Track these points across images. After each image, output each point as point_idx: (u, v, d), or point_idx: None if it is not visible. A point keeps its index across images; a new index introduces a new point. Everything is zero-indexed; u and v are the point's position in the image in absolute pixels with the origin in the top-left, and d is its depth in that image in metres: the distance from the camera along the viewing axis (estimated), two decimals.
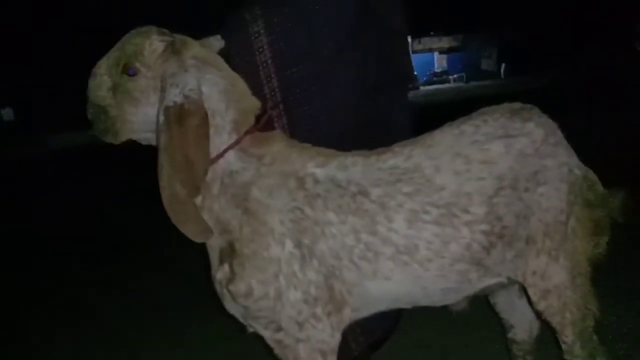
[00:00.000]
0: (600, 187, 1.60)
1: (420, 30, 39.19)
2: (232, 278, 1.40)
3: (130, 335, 3.18)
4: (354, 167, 1.44)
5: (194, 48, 1.43)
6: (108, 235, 5.60)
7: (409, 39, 39.30)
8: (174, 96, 1.33)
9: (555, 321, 1.56)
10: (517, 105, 1.58)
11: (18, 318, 3.70)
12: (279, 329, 1.42)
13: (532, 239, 1.47)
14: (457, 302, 1.57)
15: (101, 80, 1.43)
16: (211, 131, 1.37)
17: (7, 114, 28.78)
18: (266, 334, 1.45)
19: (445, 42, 41.70)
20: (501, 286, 1.59)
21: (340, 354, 1.87)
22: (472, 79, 35.83)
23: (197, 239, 1.39)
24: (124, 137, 1.48)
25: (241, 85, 1.48)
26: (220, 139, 1.42)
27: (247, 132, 1.45)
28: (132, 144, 1.53)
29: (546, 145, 1.48)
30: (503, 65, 34.94)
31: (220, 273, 1.44)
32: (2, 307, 3.90)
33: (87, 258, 4.89)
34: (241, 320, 1.50)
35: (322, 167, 1.44)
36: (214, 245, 1.47)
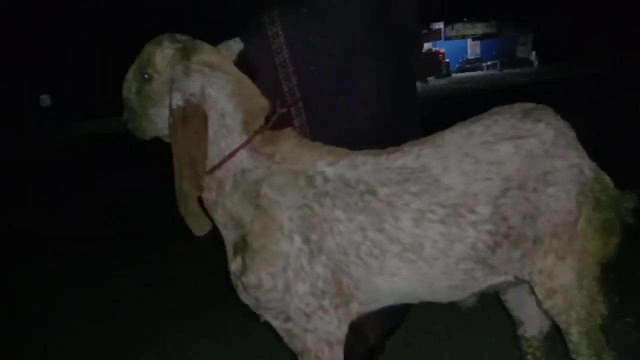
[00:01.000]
0: (612, 189, 1.60)
1: (453, 16, 38.47)
2: (243, 270, 1.48)
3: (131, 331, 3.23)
4: (364, 166, 1.49)
5: (202, 53, 1.51)
6: (134, 224, 5.70)
7: (442, 25, 38.62)
8: (177, 100, 1.45)
9: (561, 320, 1.58)
10: (529, 105, 1.59)
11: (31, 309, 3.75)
12: (288, 319, 1.49)
13: (540, 239, 1.49)
14: (464, 299, 1.61)
15: (130, 84, 1.57)
16: (222, 131, 1.49)
17: (44, 100, 29.49)
18: (276, 324, 1.52)
19: (479, 28, 40.80)
20: (509, 284, 1.62)
21: (357, 343, 1.95)
22: (507, 66, 35.00)
23: (196, 232, 1.50)
24: (150, 134, 1.61)
25: (249, 87, 1.56)
26: (231, 138, 1.50)
27: (256, 132, 1.53)
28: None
29: (556, 147, 1.49)
30: (533, 53, 34.07)
31: (233, 265, 1.53)
32: (20, 297, 3.97)
33: (115, 247, 4.98)
34: (253, 309, 1.57)
35: (332, 165, 1.50)
36: (229, 239, 1.55)
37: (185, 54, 1.49)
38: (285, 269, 1.45)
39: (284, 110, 1.80)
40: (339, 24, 1.81)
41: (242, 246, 1.50)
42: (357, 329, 1.94)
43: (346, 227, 1.45)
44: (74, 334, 3.20)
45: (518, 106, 1.58)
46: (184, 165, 1.43)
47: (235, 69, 1.56)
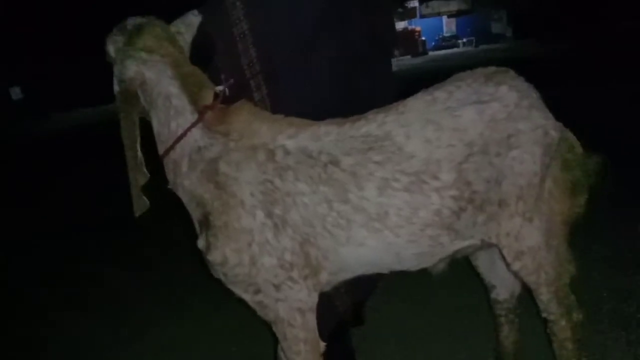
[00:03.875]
0: (579, 148, 1.62)
1: None
2: (208, 248, 1.48)
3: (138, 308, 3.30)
4: (327, 136, 1.48)
5: (143, 37, 1.53)
6: (114, 212, 5.69)
7: (416, 3, 38.40)
8: (115, 85, 1.52)
9: (530, 281, 1.60)
10: (491, 69, 1.59)
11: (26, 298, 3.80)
12: (258, 291, 1.49)
13: (505, 202, 1.50)
14: (434, 265, 1.61)
15: None
16: (171, 113, 1.52)
17: (15, 92, 28.72)
18: (247, 297, 1.52)
19: (454, 5, 40.59)
20: (476, 248, 1.63)
21: (326, 312, 1.95)
22: (482, 42, 35.03)
23: (135, 212, 1.53)
24: None
25: (188, 66, 1.57)
26: (183, 118, 1.53)
27: (206, 109, 1.52)
28: None
29: (520, 109, 1.49)
30: (508, 28, 34.25)
31: (200, 243, 1.52)
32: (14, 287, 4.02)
33: (97, 235, 4.98)
34: (225, 285, 1.57)
35: (293, 138, 1.48)
36: (195, 217, 1.55)
37: (128, 41, 1.52)
38: (249, 244, 1.44)
39: (252, 81, 1.78)
40: None
41: (206, 224, 1.49)
42: (326, 301, 1.94)
43: (310, 199, 1.44)
44: (60, 326, 3.19)
45: (480, 71, 1.57)
46: (126, 149, 1.48)
47: (172, 50, 1.56)
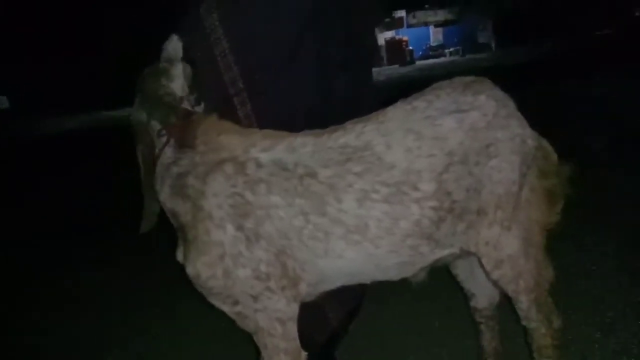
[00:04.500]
0: (554, 157, 1.64)
1: (414, 4, 38.63)
2: (185, 262, 1.48)
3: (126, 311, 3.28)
4: (303, 148, 1.47)
5: (139, 86, 1.65)
6: (98, 216, 5.68)
7: (404, 13, 38.71)
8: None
9: (510, 289, 1.60)
10: (469, 78, 1.60)
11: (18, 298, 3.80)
12: (236, 303, 1.48)
13: (484, 211, 1.51)
14: (414, 275, 1.61)
15: None
16: (154, 140, 1.61)
17: (2, 101, 28.50)
18: (225, 309, 1.51)
19: (441, 15, 40.94)
20: (455, 257, 1.63)
21: (319, 325, 1.94)
22: (469, 52, 35.39)
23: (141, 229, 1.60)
24: None
25: (155, 96, 1.63)
26: (160, 142, 1.60)
27: (169, 128, 1.58)
28: None
29: (498, 118, 1.50)
30: (493, 37, 34.71)
31: (178, 256, 1.55)
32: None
33: (96, 235, 4.97)
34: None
35: (267, 151, 1.48)
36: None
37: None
38: (221, 257, 1.43)
39: (236, 99, 1.78)
40: (282, 9, 1.75)
41: (183, 238, 1.51)
42: (318, 314, 1.93)
43: (286, 212, 1.43)
44: (47, 332, 3.16)
45: (458, 80, 1.59)
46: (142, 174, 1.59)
47: (145, 86, 1.64)
